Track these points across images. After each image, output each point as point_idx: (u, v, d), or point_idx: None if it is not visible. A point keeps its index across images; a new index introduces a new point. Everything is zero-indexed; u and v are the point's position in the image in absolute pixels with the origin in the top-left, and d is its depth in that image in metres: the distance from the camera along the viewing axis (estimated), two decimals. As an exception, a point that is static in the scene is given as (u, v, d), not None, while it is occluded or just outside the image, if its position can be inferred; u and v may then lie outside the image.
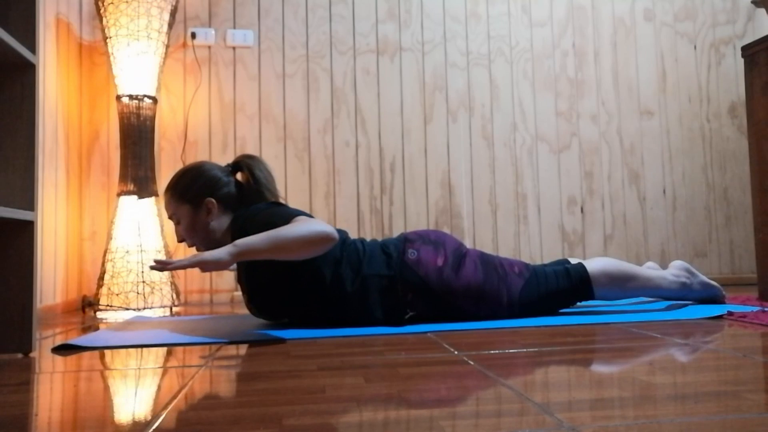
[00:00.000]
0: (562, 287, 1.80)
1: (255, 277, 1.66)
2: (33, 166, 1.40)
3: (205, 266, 1.39)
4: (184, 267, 1.37)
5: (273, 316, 1.72)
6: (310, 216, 1.62)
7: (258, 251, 1.44)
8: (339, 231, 1.76)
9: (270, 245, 1.44)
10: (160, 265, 1.35)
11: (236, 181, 1.82)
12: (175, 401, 0.87)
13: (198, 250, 1.81)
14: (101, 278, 2.43)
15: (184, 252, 2.75)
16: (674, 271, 1.94)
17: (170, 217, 1.78)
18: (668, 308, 1.90)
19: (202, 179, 1.76)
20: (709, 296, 1.96)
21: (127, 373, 1.11)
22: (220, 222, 1.76)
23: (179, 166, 2.59)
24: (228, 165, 1.85)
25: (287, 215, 1.59)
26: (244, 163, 1.81)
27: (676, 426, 0.69)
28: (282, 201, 1.83)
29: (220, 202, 1.76)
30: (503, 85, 3.07)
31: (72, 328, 1.87)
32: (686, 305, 1.96)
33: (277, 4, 2.95)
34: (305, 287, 1.65)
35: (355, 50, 2.98)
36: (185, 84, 2.86)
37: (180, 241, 1.79)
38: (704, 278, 1.96)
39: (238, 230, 1.63)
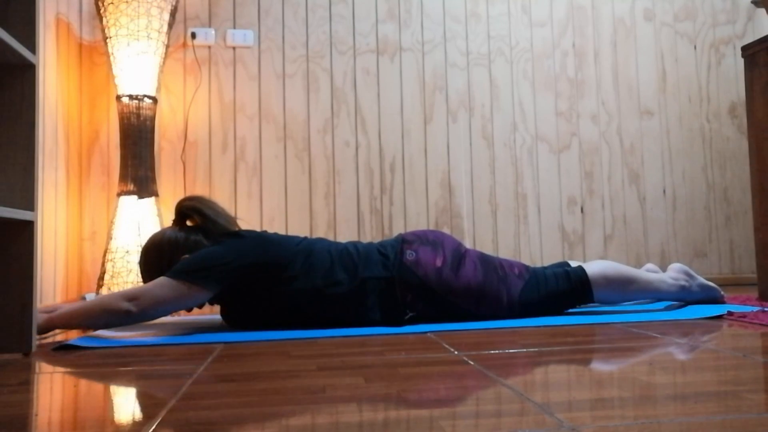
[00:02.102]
0: (562, 289, 1.80)
1: (241, 313, 1.71)
2: (33, 166, 1.40)
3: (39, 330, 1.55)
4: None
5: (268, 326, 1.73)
6: (200, 274, 1.59)
7: (74, 323, 1.56)
8: (319, 239, 1.77)
9: (83, 316, 1.55)
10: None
11: (190, 227, 1.79)
12: (175, 401, 0.87)
13: None
14: (101, 278, 2.43)
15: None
16: (673, 274, 1.95)
17: None
18: (668, 308, 1.91)
19: (165, 247, 1.73)
20: (708, 298, 1.97)
21: (126, 373, 1.11)
22: None
23: (179, 166, 2.59)
24: (173, 221, 1.82)
25: (176, 270, 1.60)
26: (185, 209, 1.79)
27: (676, 426, 0.69)
28: (238, 228, 1.80)
29: (194, 252, 1.74)
30: (503, 85, 3.07)
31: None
32: (686, 305, 1.96)
33: (277, 4, 2.95)
34: (302, 301, 1.66)
35: (355, 50, 2.98)
36: (185, 84, 2.86)
37: None
38: (703, 280, 1.97)
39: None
